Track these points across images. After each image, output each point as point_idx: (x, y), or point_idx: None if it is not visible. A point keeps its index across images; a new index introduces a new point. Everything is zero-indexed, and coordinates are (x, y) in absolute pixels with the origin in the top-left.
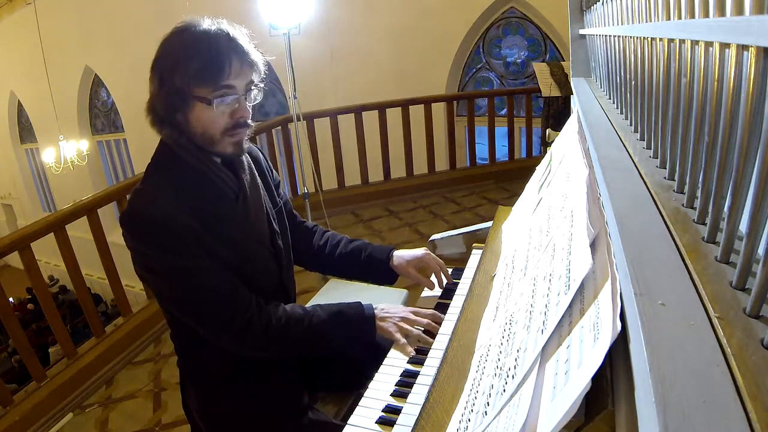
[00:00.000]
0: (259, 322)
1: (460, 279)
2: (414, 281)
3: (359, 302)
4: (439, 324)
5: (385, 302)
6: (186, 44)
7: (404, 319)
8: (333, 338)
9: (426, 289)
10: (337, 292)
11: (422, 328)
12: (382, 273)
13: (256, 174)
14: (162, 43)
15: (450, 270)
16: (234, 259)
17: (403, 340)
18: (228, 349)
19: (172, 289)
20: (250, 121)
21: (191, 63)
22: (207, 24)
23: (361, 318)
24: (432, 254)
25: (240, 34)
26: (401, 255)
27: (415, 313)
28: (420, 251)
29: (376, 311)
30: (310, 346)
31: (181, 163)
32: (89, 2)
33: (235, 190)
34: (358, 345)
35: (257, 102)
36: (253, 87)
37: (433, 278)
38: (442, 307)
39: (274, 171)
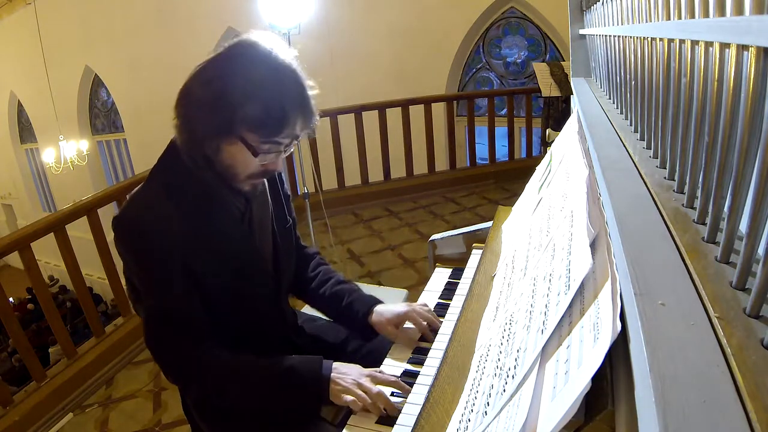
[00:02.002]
0: (202, 363)
1: (460, 279)
2: (393, 340)
3: (320, 357)
4: (401, 389)
5: (387, 302)
6: (256, 82)
7: (360, 385)
8: (272, 400)
9: (426, 288)
10: None
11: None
12: (359, 327)
13: (267, 190)
14: (228, 56)
15: (450, 270)
16: (227, 277)
17: (360, 405)
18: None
19: (137, 296)
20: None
21: (254, 108)
22: (279, 53)
23: (313, 378)
24: (416, 309)
25: (308, 85)
26: (381, 311)
27: (377, 376)
28: (403, 307)
29: (333, 373)
30: (248, 401)
31: (188, 173)
32: (89, 2)
33: (242, 210)
34: (302, 410)
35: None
36: (296, 141)
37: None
38: (442, 307)
39: (285, 184)
